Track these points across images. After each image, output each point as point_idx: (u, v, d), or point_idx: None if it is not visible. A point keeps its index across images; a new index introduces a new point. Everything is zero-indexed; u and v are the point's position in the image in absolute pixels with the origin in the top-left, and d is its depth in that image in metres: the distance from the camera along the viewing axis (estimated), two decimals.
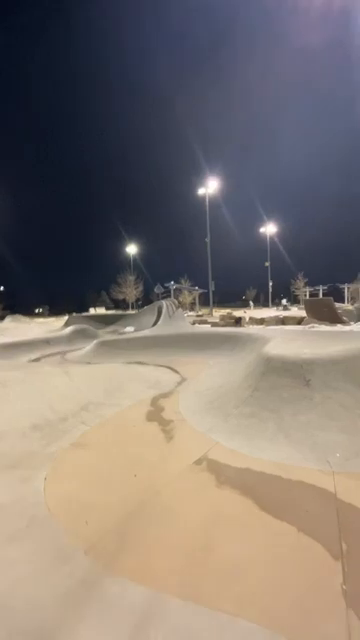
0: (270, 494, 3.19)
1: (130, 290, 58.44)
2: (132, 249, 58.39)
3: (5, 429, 4.75)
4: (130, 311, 38.78)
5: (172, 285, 34.06)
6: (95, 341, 12.74)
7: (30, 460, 4.04)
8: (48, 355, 12.62)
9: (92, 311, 41.32)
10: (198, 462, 3.86)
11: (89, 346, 12.32)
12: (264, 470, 3.63)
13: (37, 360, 11.76)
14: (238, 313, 27.50)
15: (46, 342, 14.33)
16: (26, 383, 6.48)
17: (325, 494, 3.14)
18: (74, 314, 28.64)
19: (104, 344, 12.39)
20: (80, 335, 15.67)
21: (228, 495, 3.21)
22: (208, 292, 38.02)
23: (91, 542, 2.60)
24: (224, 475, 3.56)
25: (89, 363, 10.18)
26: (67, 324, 20.13)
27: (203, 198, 37.64)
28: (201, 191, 38.40)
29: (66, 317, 26.10)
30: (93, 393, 6.30)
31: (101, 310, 44.76)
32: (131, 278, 58.52)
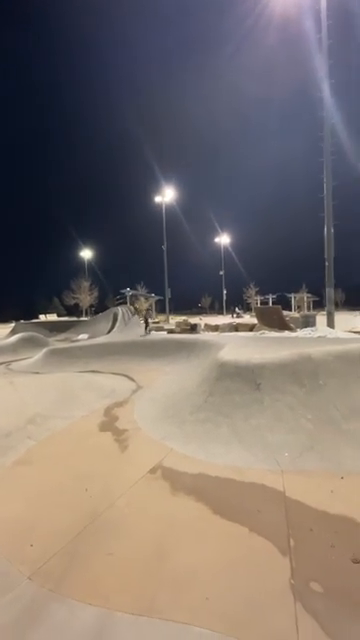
0: (224, 497, 3.25)
1: (84, 296, 56.43)
2: (87, 254, 56.64)
3: None
4: (84, 318, 37.39)
5: (128, 292, 33.56)
6: (45, 349, 12.05)
7: None
8: None
9: (43, 318, 38.99)
10: (153, 471, 3.81)
11: (38, 355, 11.62)
12: (219, 474, 3.69)
13: None
14: (194, 320, 28.00)
15: None
16: None
17: (275, 493, 3.29)
18: (22, 321, 26.85)
19: (55, 352, 11.78)
20: (28, 343, 14.71)
21: (183, 502, 3.20)
22: (164, 299, 38.24)
23: (37, 566, 2.42)
24: (179, 482, 3.56)
25: (38, 373, 9.60)
26: (14, 332, 18.80)
27: (160, 205, 38.05)
28: (158, 199, 38.81)
29: (12, 324, 24.38)
30: (41, 405, 5.94)
31: (53, 317, 42.41)
32: (85, 284, 56.62)
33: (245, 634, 1.86)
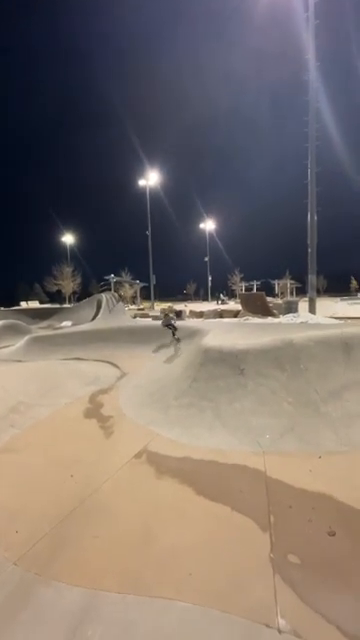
0: (207, 479, 3.34)
1: (67, 282, 55.16)
2: (68, 239, 54.95)
3: None
4: (67, 305, 36.69)
5: (112, 278, 33.04)
6: (27, 337, 11.80)
7: None
8: None
9: (24, 305, 38.02)
10: (138, 455, 3.86)
11: (20, 342, 11.37)
12: (202, 457, 3.78)
13: None
14: (179, 307, 27.99)
15: None
16: None
17: (256, 473, 3.40)
18: (2, 308, 26.10)
19: (37, 340, 11.55)
20: (10, 331, 14.33)
21: (167, 485, 3.27)
22: (149, 285, 37.90)
23: (22, 551, 2.43)
24: (164, 466, 3.62)
25: (20, 361, 9.41)
26: None
27: (144, 190, 37.14)
28: (141, 182, 37.84)
29: None
30: (24, 393, 5.85)
31: (34, 304, 41.41)
32: (68, 269, 55.26)
33: (227, 606, 1.95)
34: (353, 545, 2.39)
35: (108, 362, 9.06)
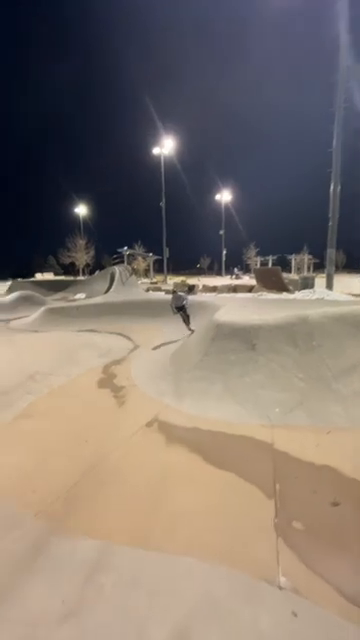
0: (216, 448, 3.44)
1: (80, 255, 55.20)
2: (82, 210, 54.17)
3: None
4: (80, 277, 36.92)
5: (125, 250, 32.71)
6: (43, 308, 12.05)
7: None
8: None
9: (39, 276, 38.56)
10: (149, 424, 3.99)
11: (36, 313, 11.64)
12: (211, 428, 3.88)
13: None
14: (192, 281, 27.74)
15: None
16: None
17: (264, 445, 3.48)
18: (19, 279, 26.56)
19: (53, 311, 11.79)
20: (26, 302, 14.67)
21: (177, 452, 3.39)
22: (162, 259, 37.45)
23: (40, 508, 2.61)
24: (174, 434, 3.74)
25: (36, 331, 9.67)
26: (11, 290, 18.64)
27: (158, 161, 35.70)
28: (156, 151, 36.32)
29: (9, 283, 24.10)
30: (41, 362, 6.06)
31: (49, 276, 42.01)
32: (81, 242, 55.07)
33: (231, 564, 2.07)
34: (356, 515, 2.45)
35: (121, 334, 9.20)
